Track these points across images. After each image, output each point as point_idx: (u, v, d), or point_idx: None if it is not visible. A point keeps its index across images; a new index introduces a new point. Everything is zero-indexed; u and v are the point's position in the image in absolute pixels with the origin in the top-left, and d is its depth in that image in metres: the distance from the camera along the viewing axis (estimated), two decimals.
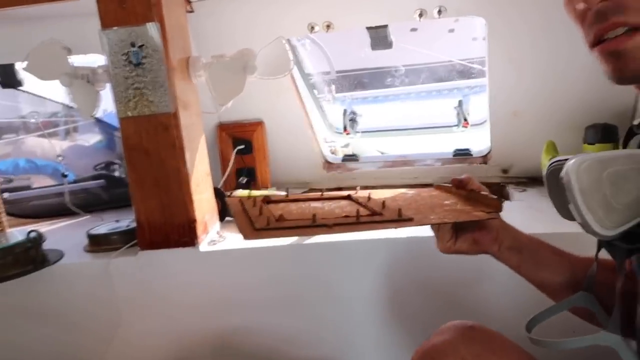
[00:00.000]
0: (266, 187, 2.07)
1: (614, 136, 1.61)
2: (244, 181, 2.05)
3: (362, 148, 2.42)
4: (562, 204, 0.63)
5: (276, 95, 1.98)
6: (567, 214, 0.65)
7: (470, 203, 0.93)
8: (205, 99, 1.58)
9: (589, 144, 1.64)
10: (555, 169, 0.66)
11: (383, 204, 0.91)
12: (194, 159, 1.46)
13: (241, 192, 1.81)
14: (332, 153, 2.31)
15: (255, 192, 1.80)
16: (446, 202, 0.97)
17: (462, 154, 2.06)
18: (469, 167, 2.05)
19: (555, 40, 1.59)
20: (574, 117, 1.73)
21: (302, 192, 2.08)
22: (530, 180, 1.98)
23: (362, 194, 1.06)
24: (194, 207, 1.43)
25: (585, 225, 0.57)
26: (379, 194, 1.05)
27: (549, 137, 1.73)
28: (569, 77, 1.67)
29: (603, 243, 0.69)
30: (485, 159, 2.02)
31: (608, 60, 0.58)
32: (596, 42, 0.58)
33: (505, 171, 2.02)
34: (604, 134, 1.61)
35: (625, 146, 0.77)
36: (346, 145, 2.41)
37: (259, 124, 2.06)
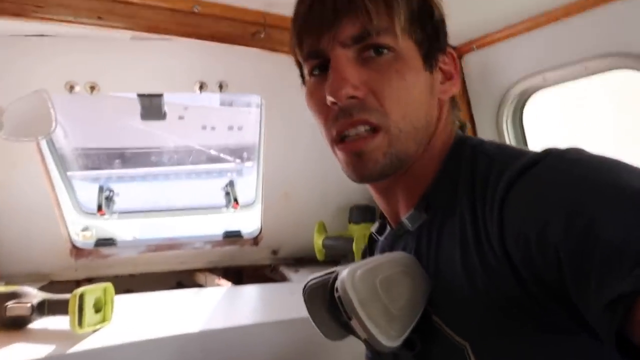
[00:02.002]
0: None
1: (374, 216, 1.79)
2: None
3: (112, 234, 2.11)
4: (331, 323, 0.61)
5: (12, 163, 1.58)
6: (336, 334, 0.63)
7: None
8: None
9: (355, 223, 1.78)
10: (316, 287, 0.64)
11: None
12: None
13: None
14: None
15: None
16: None
17: (233, 236, 1.98)
18: (239, 249, 1.97)
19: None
20: (339, 199, 1.87)
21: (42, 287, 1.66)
22: (298, 261, 2.02)
23: None
24: None
25: (372, 340, 0.54)
26: None
27: (317, 218, 1.82)
28: (335, 161, 1.79)
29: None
30: (256, 240, 1.98)
31: (350, 158, 0.61)
32: (338, 140, 0.61)
33: (275, 252, 2.02)
34: (366, 214, 1.77)
35: (371, 252, 0.81)
36: (86, 229, 2.06)
37: None
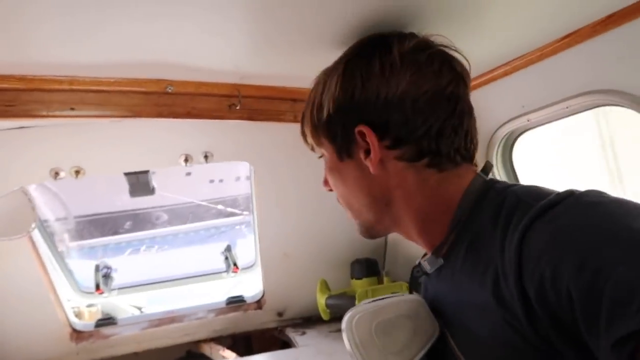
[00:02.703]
0: None
1: (376, 269, 1.74)
2: None
3: (117, 306, 2.07)
4: None
5: (3, 255, 1.55)
6: None
7: None
8: None
9: (357, 278, 1.72)
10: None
11: None
12: None
13: None
14: (77, 317, 1.89)
15: None
16: None
17: (236, 302, 1.93)
18: (244, 314, 1.92)
19: (315, 182, 1.67)
20: (340, 254, 1.82)
21: None
22: (305, 321, 1.96)
23: None
24: None
25: None
26: None
27: (320, 275, 1.77)
28: (330, 216, 1.76)
29: None
30: (259, 304, 1.93)
31: None
32: None
33: (280, 314, 1.96)
34: (367, 268, 1.72)
35: (411, 289, 0.81)
36: (91, 306, 2.03)
37: None
